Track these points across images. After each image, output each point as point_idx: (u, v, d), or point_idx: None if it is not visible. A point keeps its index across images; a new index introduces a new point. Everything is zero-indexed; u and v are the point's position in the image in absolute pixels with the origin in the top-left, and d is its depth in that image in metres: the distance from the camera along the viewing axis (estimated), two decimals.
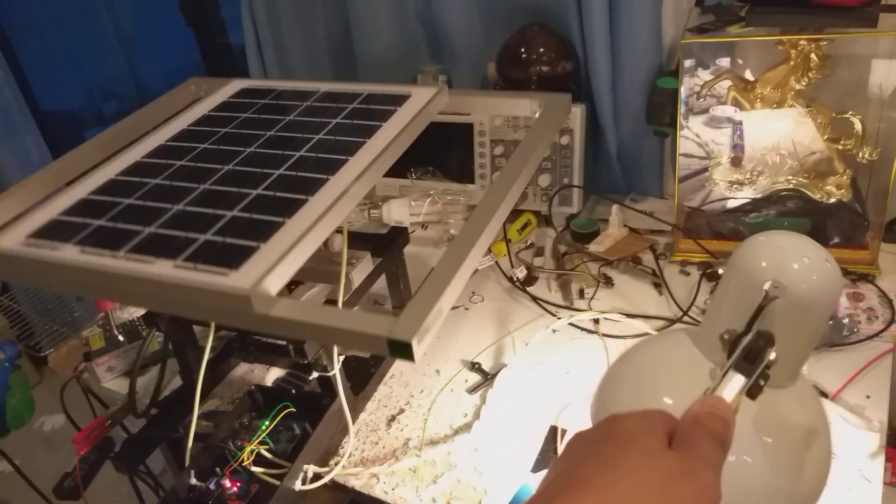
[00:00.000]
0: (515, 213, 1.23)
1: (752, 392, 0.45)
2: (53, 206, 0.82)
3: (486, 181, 1.23)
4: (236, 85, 0.96)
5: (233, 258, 0.65)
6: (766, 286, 0.51)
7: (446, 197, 1.27)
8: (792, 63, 0.97)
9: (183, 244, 0.70)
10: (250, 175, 0.78)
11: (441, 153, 1.28)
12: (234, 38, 2.32)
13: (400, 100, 0.84)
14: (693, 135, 1.07)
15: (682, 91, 1.01)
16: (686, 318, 0.96)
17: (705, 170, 1.10)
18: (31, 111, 2.30)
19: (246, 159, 0.81)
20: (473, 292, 1.11)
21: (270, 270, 0.61)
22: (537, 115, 0.80)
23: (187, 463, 0.83)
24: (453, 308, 1.09)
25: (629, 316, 0.93)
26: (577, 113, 1.15)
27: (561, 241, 1.18)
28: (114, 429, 1.08)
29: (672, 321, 0.96)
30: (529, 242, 1.22)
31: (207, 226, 0.72)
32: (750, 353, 0.46)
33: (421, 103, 0.82)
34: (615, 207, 1.15)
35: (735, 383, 0.43)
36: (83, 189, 0.83)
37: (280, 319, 0.59)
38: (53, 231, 0.77)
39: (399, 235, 0.99)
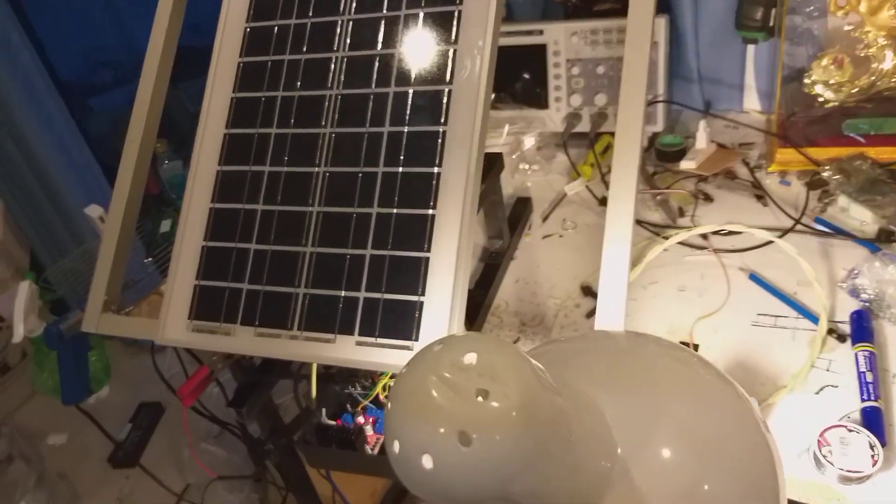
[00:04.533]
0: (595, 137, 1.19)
1: None
2: (181, 264, 0.82)
3: (563, 104, 1.19)
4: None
5: (405, 321, 0.69)
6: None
7: (517, 124, 1.23)
8: None
9: (348, 309, 0.72)
10: (350, 181, 0.76)
11: (511, 78, 1.23)
12: None
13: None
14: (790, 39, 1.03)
15: None
16: (799, 227, 0.94)
17: (799, 76, 1.06)
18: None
19: (332, 149, 0.78)
20: (565, 219, 1.09)
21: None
22: None
23: (314, 403, 0.82)
24: (546, 236, 1.06)
25: (750, 227, 0.90)
26: (661, 24, 1.10)
27: (647, 161, 1.14)
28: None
29: (787, 230, 0.93)
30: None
31: (353, 275, 0.73)
32: None
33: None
34: (703, 122, 1.11)
35: None
36: (193, 232, 0.82)
37: None
38: (209, 306, 0.79)
39: (495, 162, 0.96)
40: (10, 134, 2.02)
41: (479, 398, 0.31)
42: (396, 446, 0.33)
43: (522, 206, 1.10)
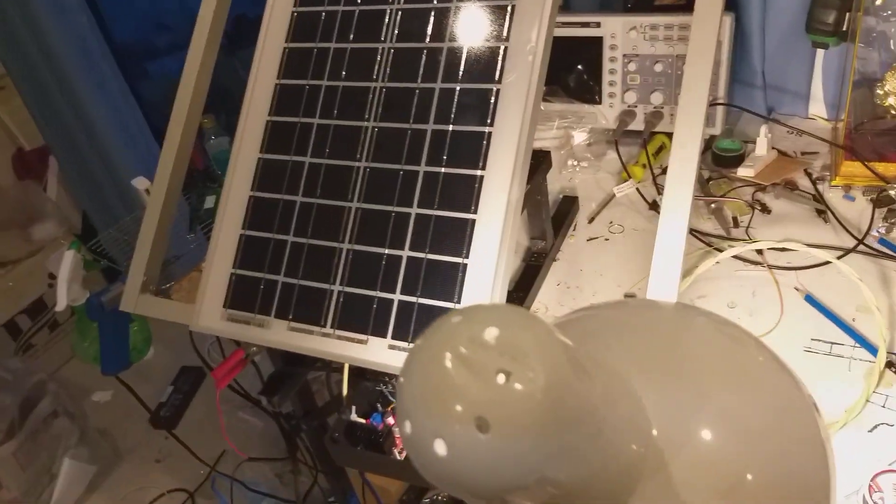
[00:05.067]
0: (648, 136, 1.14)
1: None
2: (219, 251, 0.82)
3: (616, 100, 1.15)
4: None
5: None
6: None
7: (568, 119, 1.20)
8: None
9: (382, 311, 0.71)
10: (390, 178, 0.74)
11: (564, 70, 1.19)
12: None
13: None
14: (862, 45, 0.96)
15: None
16: (862, 248, 0.88)
17: (870, 84, 1.00)
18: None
19: (374, 144, 0.76)
20: (612, 221, 1.05)
21: None
22: None
23: (344, 399, 0.81)
24: (591, 239, 1.03)
25: (809, 245, 0.85)
26: (727, 22, 1.04)
27: (702, 165, 1.09)
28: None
29: (848, 250, 0.88)
30: (664, 167, 1.14)
31: (389, 276, 0.72)
32: None
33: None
34: (764, 127, 1.06)
35: None
36: (232, 219, 0.81)
37: None
38: (244, 296, 0.79)
39: (542, 160, 0.93)
40: (65, 97, 2.05)
41: (500, 379, 0.28)
42: (408, 427, 0.30)
43: (568, 205, 1.07)
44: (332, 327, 0.73)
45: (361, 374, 0.82)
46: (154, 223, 0.89)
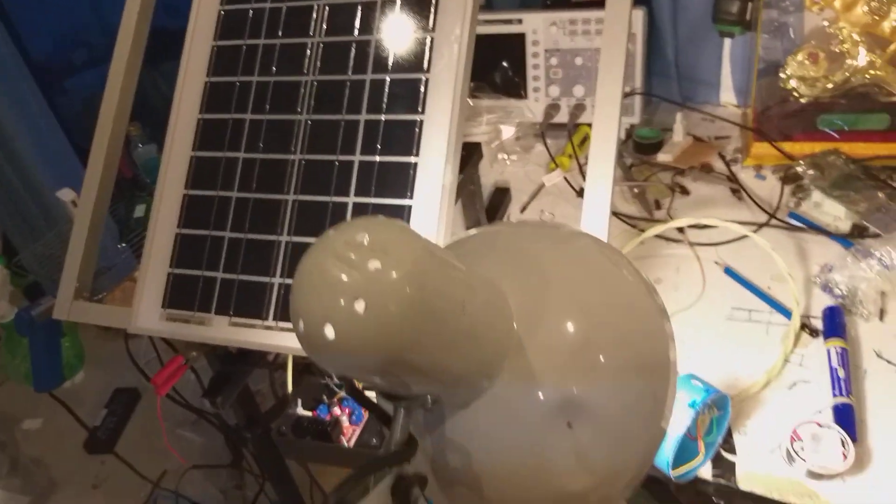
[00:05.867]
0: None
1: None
2: (154, 251, 0.80)
3: (541, 94, 1.19)
4: None
5: None
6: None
7: (496, 114, 1.23)
8: None
9: None
10: (326, 169, 0.75)
11: (490, 67, 1.22)
12: None
13: None
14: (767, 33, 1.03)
15: None
16: (774, 221, 0.94)
17: (774, 71, 1.06)
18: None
19: (308, 137, 0.77)
20: (543, 210, 1.08)
21: None
22: None
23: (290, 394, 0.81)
24: None
25: (726, 221, 0.90)
26: (639, 16, 1.10)
27: (624, 153, 1.14)
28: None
29: (762, 224, 0.94)
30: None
31: None
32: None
33: None
34: (679, 115, 1.12)
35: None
36: (166, 218, 0.81)
37: None
38: (183, 295, 0.78)
39: (474, 151, 0.95)
40: None
41: (373, 269, 0.34)
42: (301, 325, 0.35)
43: (501, 196, 1.10)
44: (274, 319, 0.74)
45: (306, 369, 0.82)
46: (84, 230, 0.88)
